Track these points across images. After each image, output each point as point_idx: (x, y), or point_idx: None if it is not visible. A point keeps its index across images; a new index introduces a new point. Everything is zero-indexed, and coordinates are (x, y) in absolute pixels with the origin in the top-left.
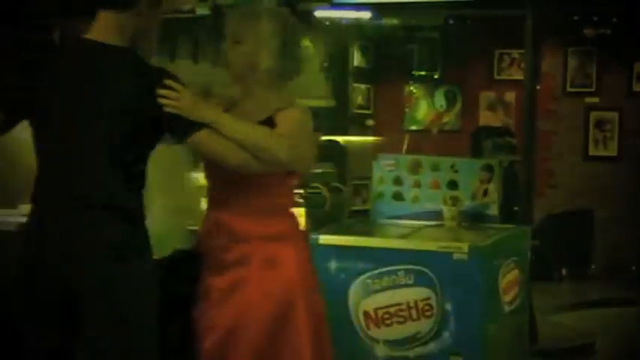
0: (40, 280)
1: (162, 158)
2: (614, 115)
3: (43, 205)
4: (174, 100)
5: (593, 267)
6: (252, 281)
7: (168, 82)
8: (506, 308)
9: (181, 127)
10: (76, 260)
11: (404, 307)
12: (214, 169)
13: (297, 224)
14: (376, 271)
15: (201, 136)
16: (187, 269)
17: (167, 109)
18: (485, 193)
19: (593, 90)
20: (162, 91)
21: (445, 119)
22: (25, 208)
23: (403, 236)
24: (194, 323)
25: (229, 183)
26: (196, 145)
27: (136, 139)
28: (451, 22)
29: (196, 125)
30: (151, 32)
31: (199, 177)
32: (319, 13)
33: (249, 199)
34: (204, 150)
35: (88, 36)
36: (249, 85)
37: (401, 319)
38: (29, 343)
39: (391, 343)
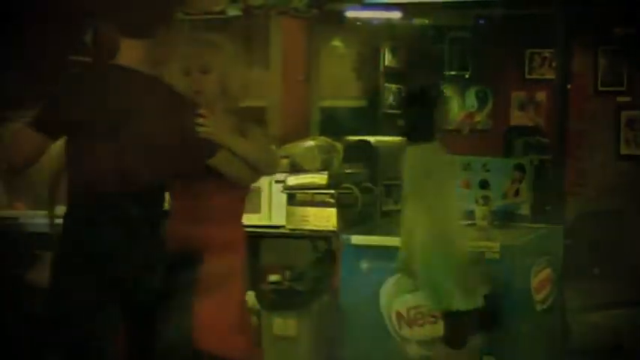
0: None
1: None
2: None
3: (78, 213)
4: (208, 126)
5: (625, 266)
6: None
7: (202, 111)
8: (539, 307)
9: (208, 149)
10: (115, 261)
11: None
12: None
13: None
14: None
15: (220, 156)
16: (185, 270)
17: (202, 135)
18: (517, 192)
19: (624, 89)
20: (200, 120)
21: (476, 119)
22: None
23: None
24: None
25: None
26: (216, 164)
27: (164, 161)
28: (481, 21)
29: (217, 146)
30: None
31: None
32: (350, 14)
33: (220, 209)
34: (221, 168)
35: (117, 62)
36: (217, 108)
37: (433, 319)
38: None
39: (423, 343)
